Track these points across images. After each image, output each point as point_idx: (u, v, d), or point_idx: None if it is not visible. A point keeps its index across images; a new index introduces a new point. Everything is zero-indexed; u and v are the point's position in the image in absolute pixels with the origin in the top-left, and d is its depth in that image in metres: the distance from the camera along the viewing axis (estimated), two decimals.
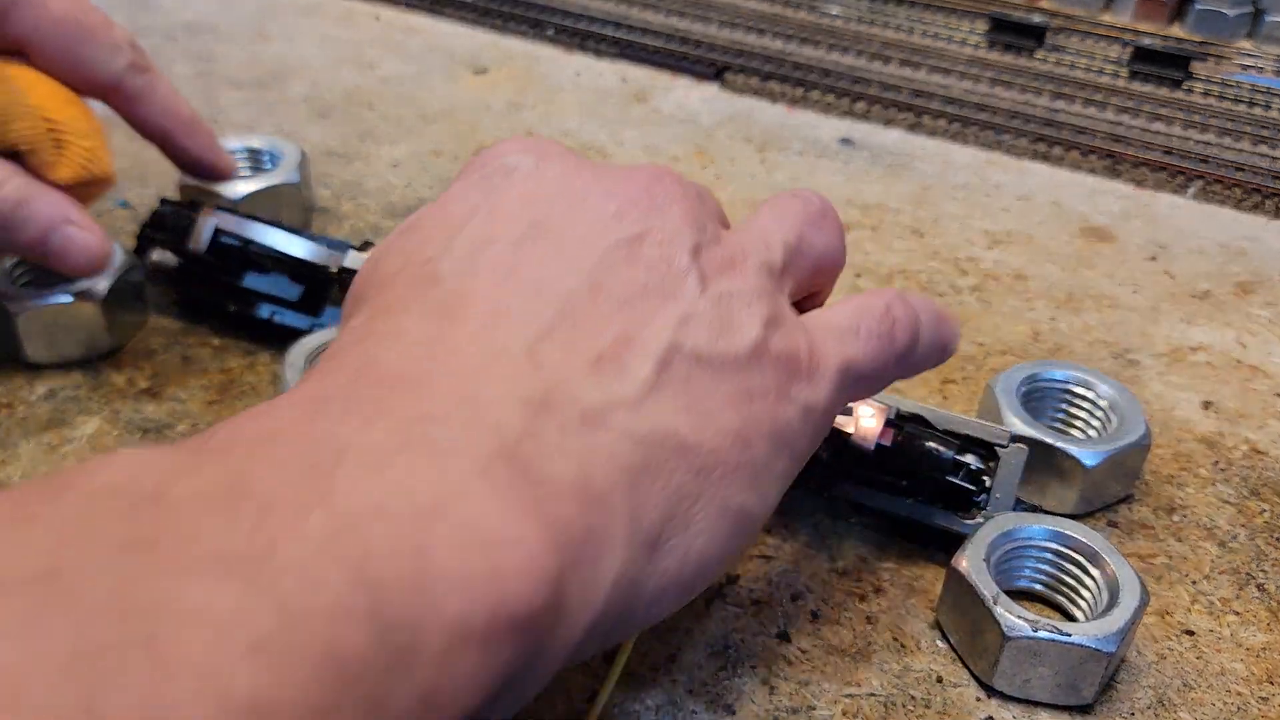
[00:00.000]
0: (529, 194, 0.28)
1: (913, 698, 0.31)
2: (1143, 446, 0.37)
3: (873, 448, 0.35)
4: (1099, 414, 0.39)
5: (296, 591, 0.18)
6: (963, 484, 0.34)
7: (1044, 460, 0.36)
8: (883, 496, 0.35)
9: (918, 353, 0.30)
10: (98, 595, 0.16)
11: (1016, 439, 0.35)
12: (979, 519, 0.35)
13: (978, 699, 0.31)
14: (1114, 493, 0.37)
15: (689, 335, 0.26)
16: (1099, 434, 0.38)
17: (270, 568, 0.18)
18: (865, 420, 0.35)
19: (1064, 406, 0.39)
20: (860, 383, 0.29)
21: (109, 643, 0.16)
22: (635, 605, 0.24)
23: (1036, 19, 0.67)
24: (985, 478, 0.35)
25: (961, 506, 0.35)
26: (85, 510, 0.18)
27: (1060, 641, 0.30)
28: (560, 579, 0.21)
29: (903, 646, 0.33)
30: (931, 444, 0.35)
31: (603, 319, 0.26)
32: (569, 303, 0.26)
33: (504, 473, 0.22)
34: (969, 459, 0.35)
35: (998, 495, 0.35)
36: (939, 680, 0.32)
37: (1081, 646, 0.30)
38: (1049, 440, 0.36)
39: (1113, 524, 0.37)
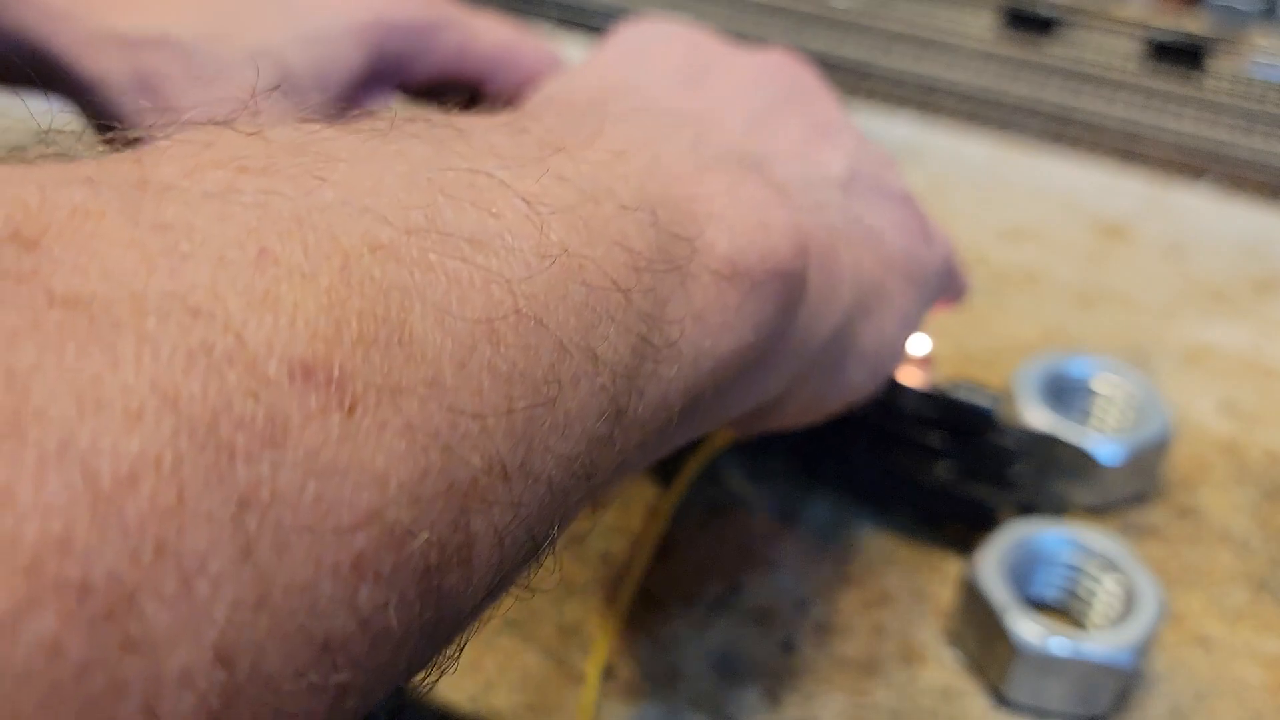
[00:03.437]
0: (687, 44, 0.30)
1: (921, 708, 0.30)
2: (1164, 443, 0.36)
3: (921, 387, 0.35)
4: (1119, 408, 0.38)
5: (590, 183, 0.19)
6: (1004, 445, 0.35)
7: (1064, 454, 0.36)
8: (919, 465, 0.35)
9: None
10: (422, 153, 0.18)
11: (1036, 434, 0.35)
12: (1012, 497, 0.35)
13: (989, 710, 0.30)
14: (1134, 489, 0.37)
15: (861, 163, 0.28)
16: (1120, 429, 0.37)
17: (565, 167, 0.19)
18: (910, 374, 0.36)
19: (1086, 400, 0.39)
20: (944, 284, 0.31)
21: (438, 181, 0.17)
22: (843, 360, 0.26)
23: (1046, 11, 0.66)
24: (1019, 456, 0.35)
25: (996, 478, 0.35)
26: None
27: (1075, 654, 0.29)
28: (807, 262, 0.23)
29: (911, 656, 0.32)
30: (975, 400, 0.35)
31: (787, 128, 0.28)
32: (754, 117, 0.28)
33: (756, 176, 0.23)
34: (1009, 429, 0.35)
35: (1031, 476, 0.35)
36: (948, 690, 0.31)
37: (1096, 659, 0.29)
38: (1068, 434, 0.36)
39: (1126, 527, 0.36)
